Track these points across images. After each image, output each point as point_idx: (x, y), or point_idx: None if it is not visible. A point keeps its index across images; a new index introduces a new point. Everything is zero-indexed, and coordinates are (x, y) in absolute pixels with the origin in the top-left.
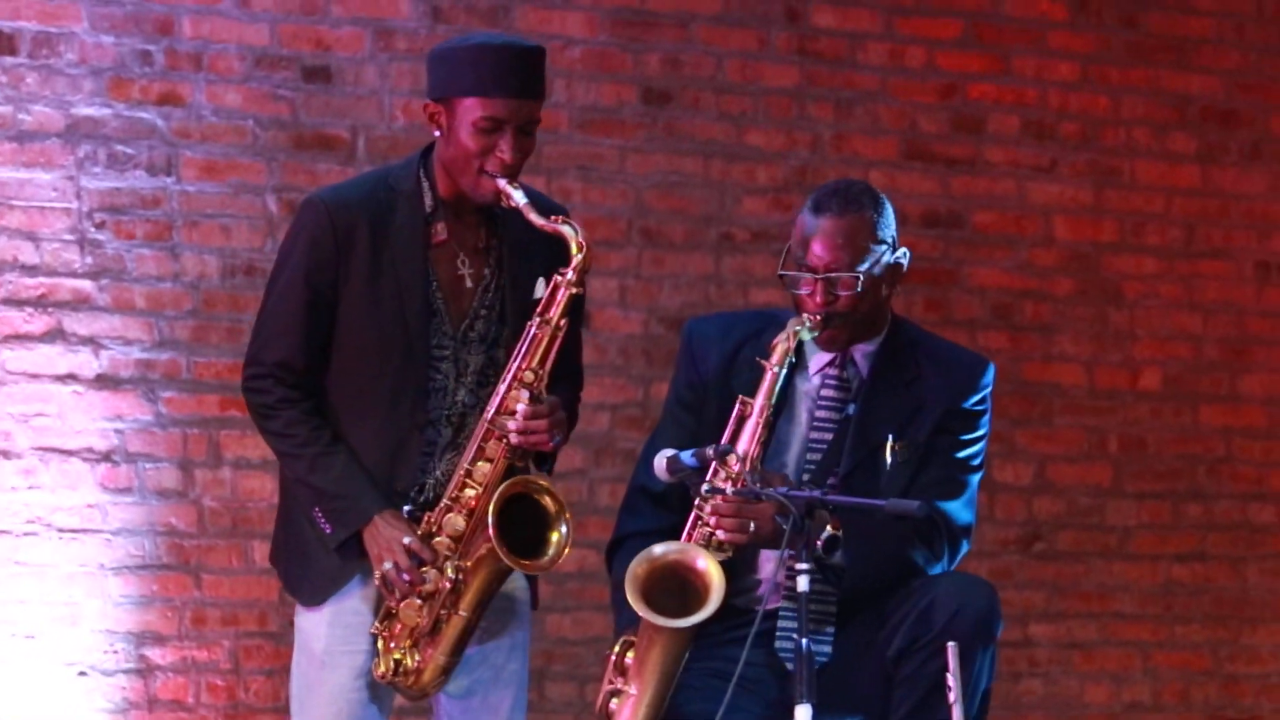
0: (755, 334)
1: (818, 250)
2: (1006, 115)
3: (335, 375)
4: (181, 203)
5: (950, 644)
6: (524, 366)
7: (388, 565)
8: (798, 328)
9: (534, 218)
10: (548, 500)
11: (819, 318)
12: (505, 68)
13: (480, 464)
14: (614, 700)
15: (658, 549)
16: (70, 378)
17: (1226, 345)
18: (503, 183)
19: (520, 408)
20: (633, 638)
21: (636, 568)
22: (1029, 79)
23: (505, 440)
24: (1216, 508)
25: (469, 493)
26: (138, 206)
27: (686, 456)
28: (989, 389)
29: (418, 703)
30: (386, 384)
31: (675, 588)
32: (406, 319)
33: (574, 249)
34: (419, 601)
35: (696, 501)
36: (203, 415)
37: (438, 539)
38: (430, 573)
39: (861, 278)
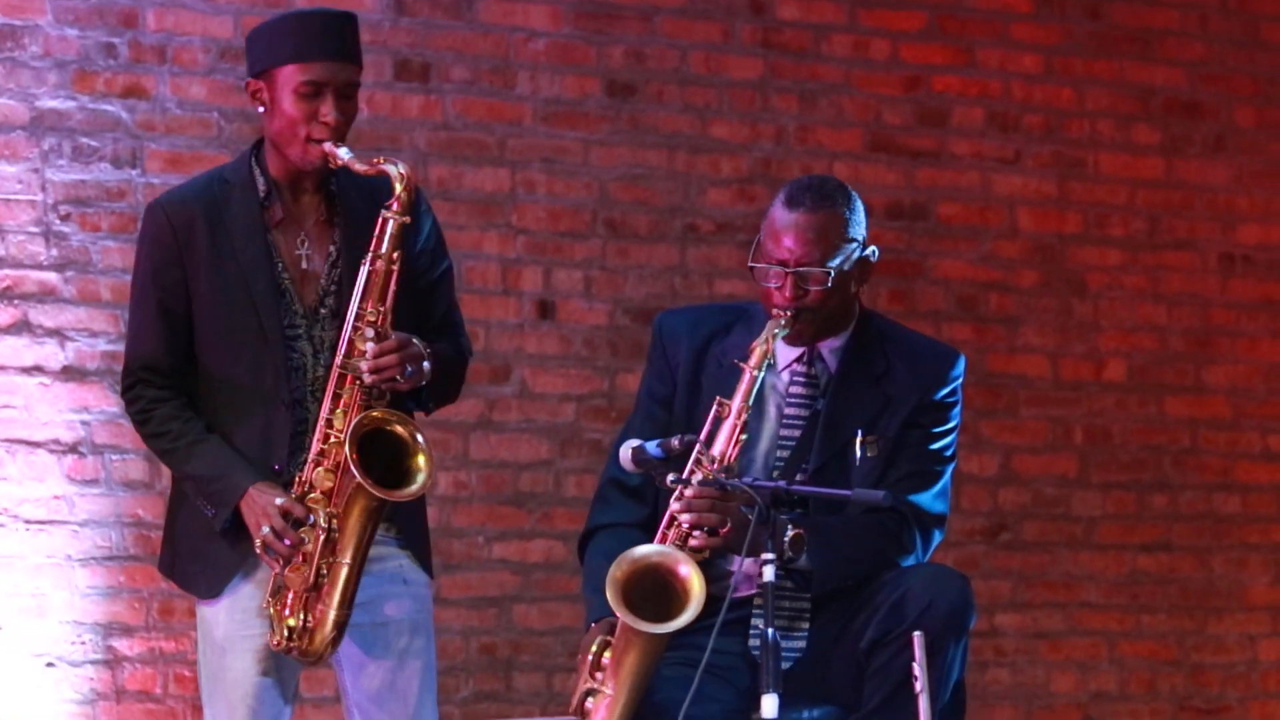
0: (725, 328)
1: (789, 244)
2: (970, 107)
3: (201, 370)
4: (147, 195)
5: (916, 634)
6: (365, 307)
7: (265, 530)
8: (775, 330)
9: (358, 166)
10: (399, 429)
11: (789, 314)
12: (319, 32)
13: (338, 413)
14: (589, 699)
15: (638, 551)
16: (36, 369)
17: (1191, 336)
18: (327, 145)
19: (368, 346)
20: (609, 638)
21: (616, 570)
22: (993, 71)
23: (359, 382)
24: (1182, 498)
25: (332, 443)
26: (103, 199)
27: (652, 447)
28: (959, 380)
29: (317, 666)
30: (246, 367)
31: (655, 590)
32: (255, 302)
33: (397, 183)
34: (301, 562)
35: (671, 502)
36: None
37: (311, 496)
38: (308, 533)
39: (832, 273)
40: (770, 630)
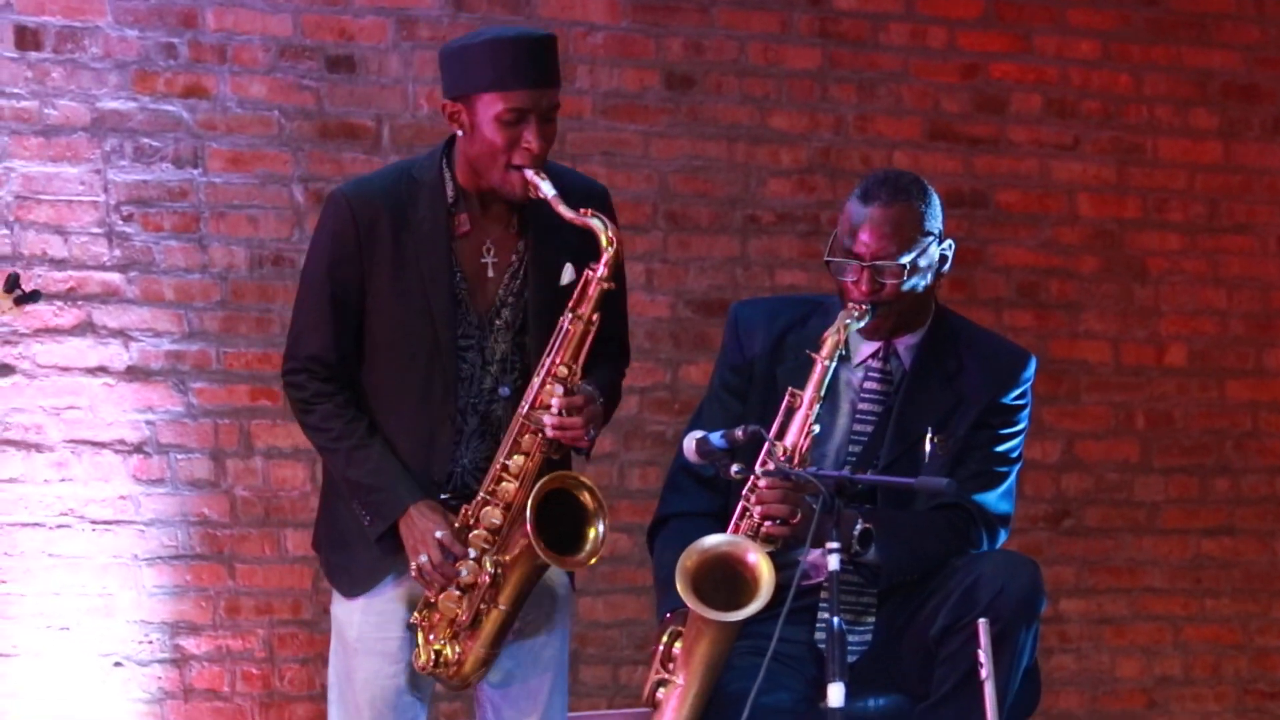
0: (801, 320)
1: (865, 238)
2: (1029, 94)
3: (367, 367)
4: (208, 194)
5: (981, 621)
6: (557, 361)
7: (422, 559)
8: (848, 320)
9: (562, 210)
10: (585, 496)
11: (865, 307)
12: (522, 59)
13: (515, 458)
14: (661, 690)
15: (708, 541)
16: (101, 370)
17: (1251, 320)
18: (530, 174)
19: (555, 402)
20: (680, 628)
21: (686, 560)
22: (1050, 57)
23: (541, 434)
24: (1244, 482)
25: (505, 485)
26: (165, 199)
27: (716, 438)
28: (1029, 383)
29: (458, 691)
30: (416, 375)
31: (724, 579)
32: (432, 310)
33: (604, 243)
34: (457, 593)
35: (744, 492)
36: (233, 405)
37: (475, 532)
38: (465, 566)
39: (907, 267)
40: (835, 619)
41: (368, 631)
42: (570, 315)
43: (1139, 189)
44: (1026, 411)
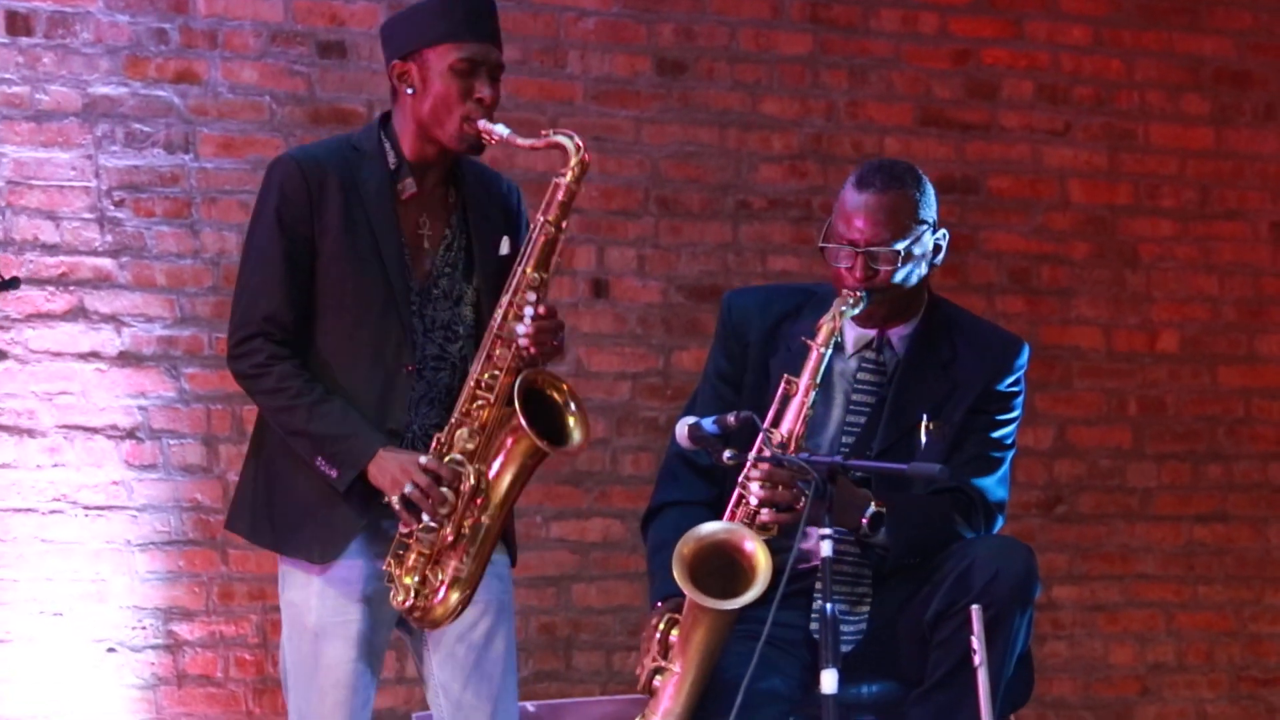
0: (795, 310)
1: (860, 224)
2: (1020, 80)
3: (319, 328)
4: (200, 180)
5: (974, 608)
6: (528, 270)
7: (408, 488)
8: (843, 307)
9: (523, 141)
10: (554, 392)
11: (859, 294)
12: (473, 13)
13: (489, 374)
14: (657, 678)
15: (705, 528)
16: (93, 355)
17: (1243, 306)
18: (483, 123)
19: (528, 311)
20: (676, 616)
21: (683, 547)
22: (1042, 43)
23: (514, 346)
24: (1236, 468)
25: (478, 404)
26: (156, 184)
27: (708, 424)
28: (1024, 369)
29: (430, 629)
30: (370, 331)
31: (721, 567)
32: (385, 265)
33: (571, 150)
34: (436, 526)
35: (740, 479)
36: (226, 390)
37: (449, 457)
38: (448, 491)
39: (901, 253)
40: (829, 605)
41: (326, 615)
42: (541, 221)
43: (1130, 175)
44: (1021, 399)
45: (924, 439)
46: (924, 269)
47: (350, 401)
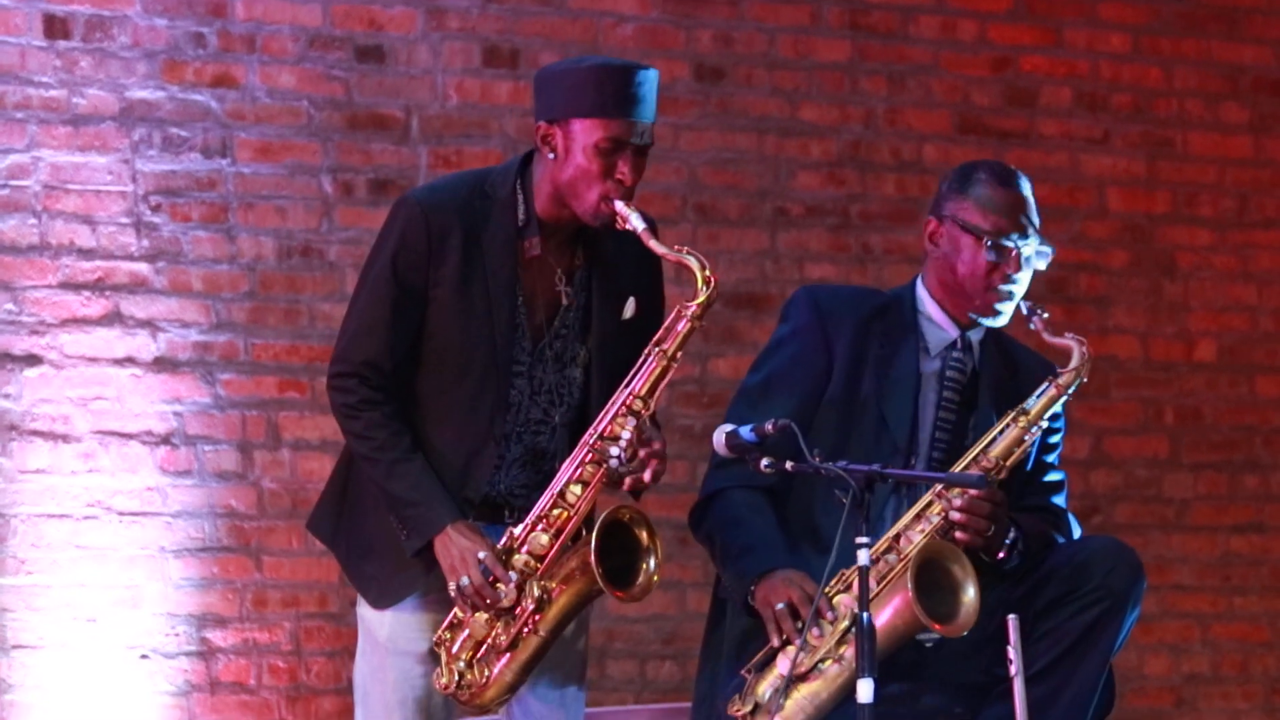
0: (881, 309)
1: (1032, 217)
2: (1059, 88)
3: (419, 378)
4: (237, 184)
5: (1011, 617)
6: (634, 393)
7: (464, 580)
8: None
9: (655, 245)
10: (642, 533)
11: (1036, 307)
12: (626, 89)
13: (574, 487)
14: (824, 664)
15: (945, 544)
16: (128, 361)
17: None
18: (620, 205)
19: (625, 435)
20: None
21: (913, 560)
22: (1081, 51)
23: (605, 465)
24: (1274, 478)
25: (558, 512)
26: (193, 189)
27: (745, 431)
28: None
29: (476, 716)
30: (467, 392)
31: (933, 584)
32: (494, 329)
33: (700, 283)
34: (486, 616)
35: (939, 488)
36: (261, 397)
37: (518, 556)
38: (504, 589)
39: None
40: (865, 614)
41: (399, 632)
42: (656, 350)
43: (1169, 183)
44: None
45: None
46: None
47: (434, 459)
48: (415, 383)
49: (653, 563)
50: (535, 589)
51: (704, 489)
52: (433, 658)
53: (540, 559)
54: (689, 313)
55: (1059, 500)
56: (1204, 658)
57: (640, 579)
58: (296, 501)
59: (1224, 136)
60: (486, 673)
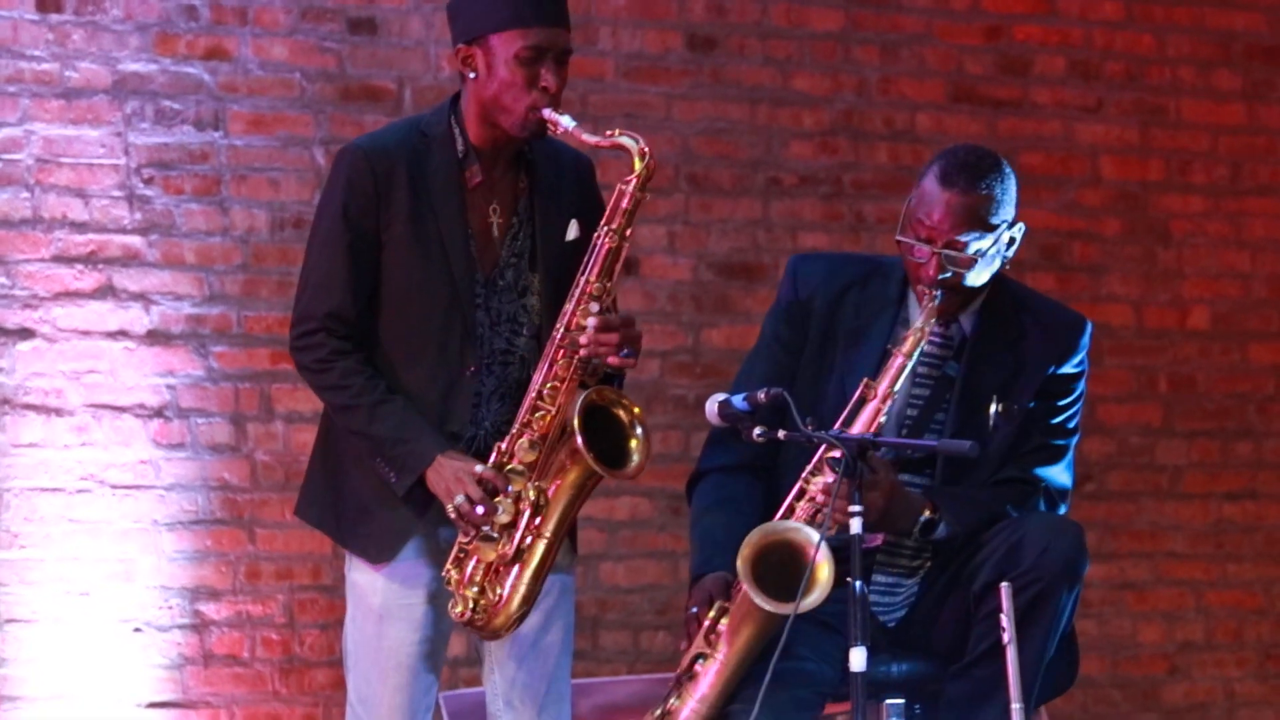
0: (861, 279)
1: (939, 222)
2: (1052, 56)
3: (382, 322)
4: (229, 157)
5: (1004, 585)
6: (591, 279)
7: (459, 499)
8: (928, 324)
9: (587, 137)
10: (621, 411)
11: (935, 293)
12: None
13: (551, 385)
14: (699, 663)
15: (775, 526)
16: (121, 334)
17: (1275, 283)
18: (548, 112)
19: (590, 321)
20: (727, 604)
21: (751, 541)
22: (1074, 19)
23: (575, 355)
24: (1267, 445)
25: (540, 415)
26: (186, 161)
27: (738, 401)
28: (1086, 349)
29: (491, 640)
30: (434, 328)
31: (782, 563)
32: (450, 264)
33: (636, 159)
34: (495, 536)
35: (804, 474)
36: (254, 369)
37: (510, 467)
38: (505, 502)
39: (978, 258)
40: (858, 583)
41: (392, 598)
42: (604, 230)
43: (1162, 151)
44: (1083, 380)
45: (992, 422)
46: (997, 264)
47: (412, 400)
48: (379, 329)
49: (640, 433)
50: (531, 492)
51: (699, 462)
52: (426, 620)
53: (532, 466)
54: (630, 186)
55: (1046, 471)
56: (1198, 625)
57: (634, 456)
58: (289, 474)
59: (1217, 104)
60: (499, 590)
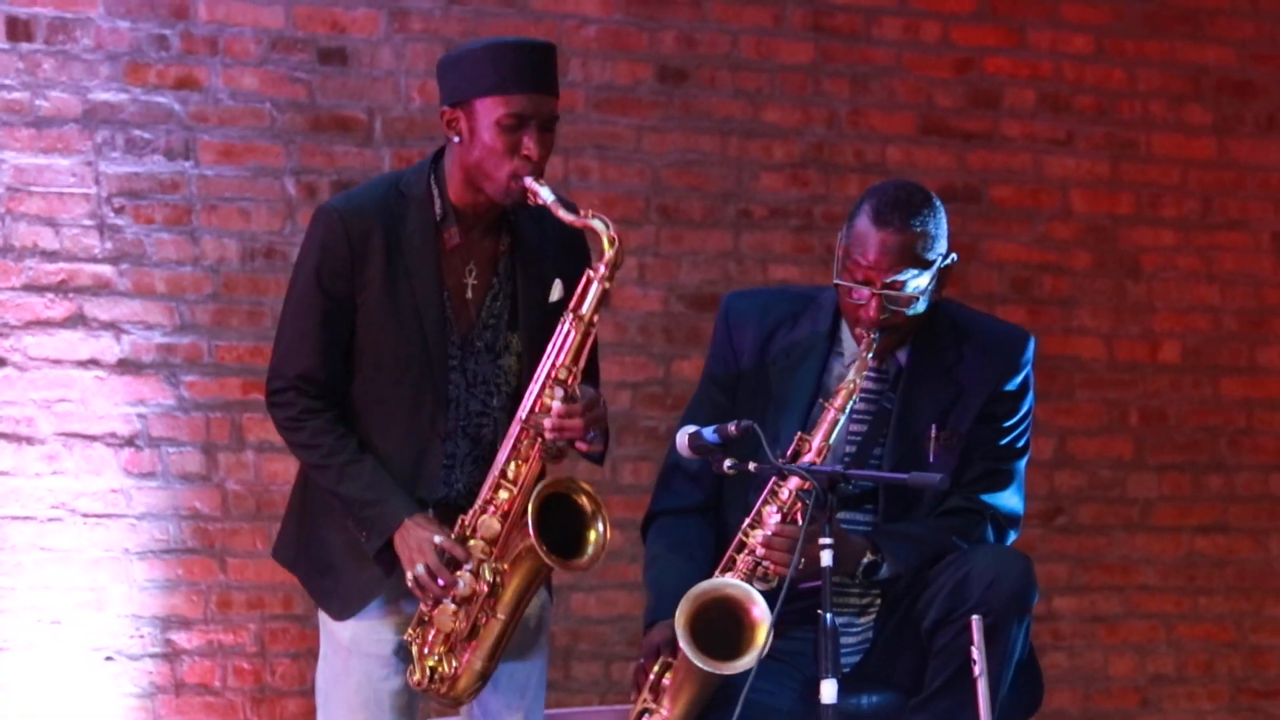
0: (792, 317)
1: (876, 261)
2: (1022, 89)
3: (357, 383)
4: (200, 186)
5: (974, 618)
6: (557, 364)
7: (419, 568)
8: (863, 370)
9: (563, 214)
10: (584, 500)
11: (873, 335)
12: (523, 64)
13: (514, 464)
14: (645, 717)
15: (714, 583)
16: (92, 363)
17: (1245, 317)
18: (529, 181)
19: (555, 405)
20: (671, 659)
21: (685, 605)
22: (1044, 52)
23: (540, 439)
24: (1238, 479)
25: (503, 494)
26: (156, 191)
27: (709, 433)
28: (1030, 364)
29: (452, 708)
30: (406, 393)
31: (722, 619)
32: (424, 328)
33: (606, 244)
34: (453, 607)
35: (744, 526)
36: (225, 399)
37: (472, 542)
38: (464, 575)
39: (920, 298)
40: (829, 615)
41: (361, 635)
42: (571, 316)
43: (1132, 185)
44: (1030, 396)
45: (932, 450)
46: (935, 296)
47: (384, 462)
48: (353, 392)
49: (600, 527)
50: (488, 572)
51: (650, 504)
52: (395, 660)
53: (493, 542)
54: (598, 274)
55: (994, 497)
56: (1169, 658)
57: (590, 547)
58: (261, 503)
59: (1187, 138)
60: (455, 664)
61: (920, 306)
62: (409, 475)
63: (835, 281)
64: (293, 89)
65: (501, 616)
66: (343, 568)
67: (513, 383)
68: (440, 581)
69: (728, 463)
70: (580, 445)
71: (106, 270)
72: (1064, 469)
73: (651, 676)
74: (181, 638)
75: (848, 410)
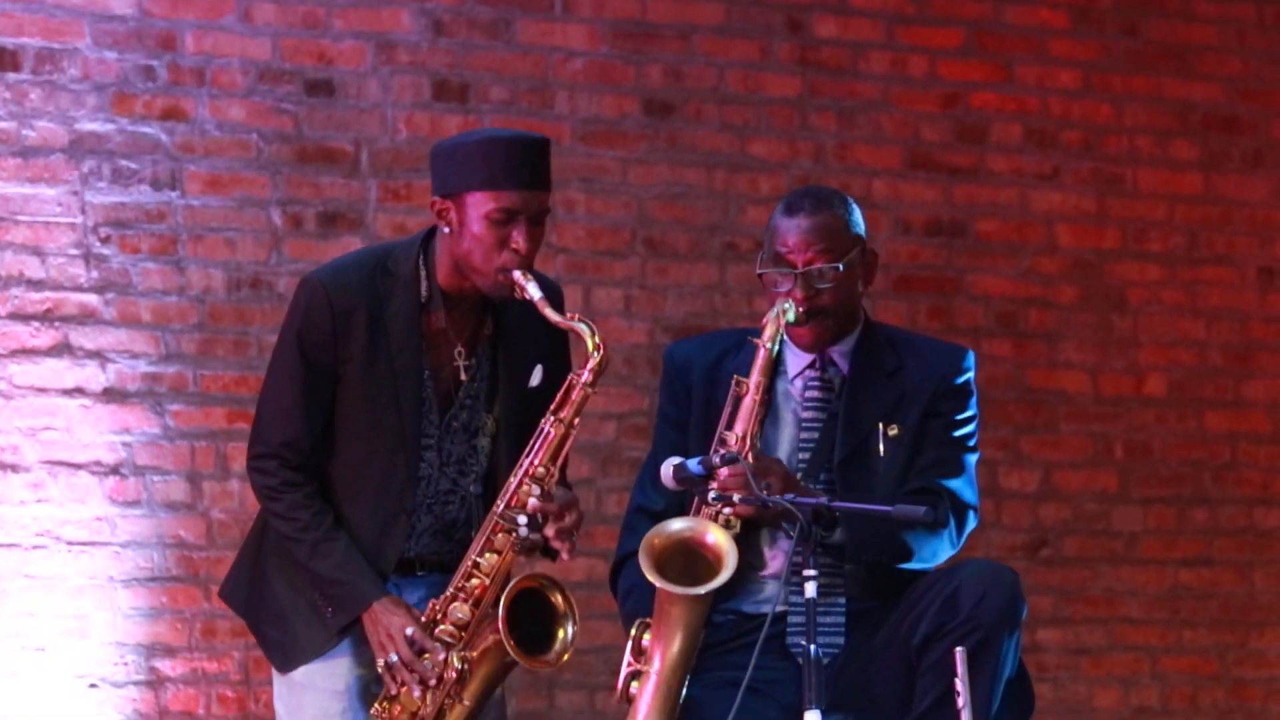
0: (736, 346)
1: (796, 246)
2: (1009, 123)
3: (334, 452)
4: (186, 217)
5: (958, 650)
6: (535, 462)
7: (392, 657)
8: (786, 305)
9: (549, 313)
10: (557, 598)
11: (802, 309)
12: (515, 161)
13: (488, 555)
14: (634, 683)
15: (669, 525)
16: (77, 391)
17: (1230, 351)
18: (518, 275)
19: (531, 502)
20: (648, 620)
21: (648, 543)
22: (1031, 87)
23: (514, 533)
24: (1222, 513)
25: (474, 582)
26: (142, 221)
27: (693, 464)
28: (972, 372)
29: None
30: (378, 467)
31: (687, 565)
32: (400, 407)
33: (591, 349)
34: (419, 690)
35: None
36: (210, 428)
37: (441, 627)
38: (432, 662)
39: (841, 268)
40: (813, 647)
41: (314, 669)
42: (552, 418)
43: (1119, 219)
44: (974, 400)
45: (882, 446)
46: (860, 284)
47: (348, 532)
48: (328, 462)
49: (570, 628)
50: (456, 660)
51: (617, 550)
52: (350, 696)
53: (463, 629)
54: (582, 380)
55: (950, 482)
56: (1153, 690)
57: (557, 645)
58: (245, 532)
59: (1174, 173)
60: None
61: (846, 290)
62: (373, 547)
63: (758, 272)
64: (279, 120)
65: (467, 703)
66: (294, 620)
67: (485, 463)
68: (412, 671)
69: (711, 494)
70: (558, 545)
71: (92, 299)
72: (1049, 501)
73: (631, 641)
74: (166, 665)
75: (777, 342)
